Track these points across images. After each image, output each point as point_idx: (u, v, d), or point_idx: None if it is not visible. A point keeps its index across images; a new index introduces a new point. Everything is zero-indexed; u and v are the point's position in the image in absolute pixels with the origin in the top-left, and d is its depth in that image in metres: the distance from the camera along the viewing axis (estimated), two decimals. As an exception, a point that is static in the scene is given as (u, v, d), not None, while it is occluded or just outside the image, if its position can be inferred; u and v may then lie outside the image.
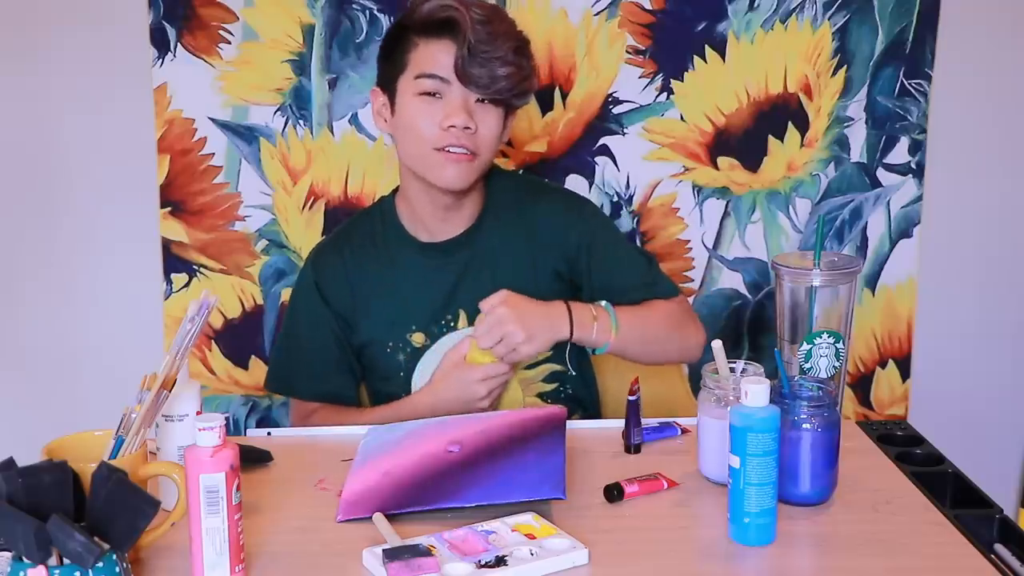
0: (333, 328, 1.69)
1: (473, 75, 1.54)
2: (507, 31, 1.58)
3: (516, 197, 1.71)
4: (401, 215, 1.70)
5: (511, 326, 1.51)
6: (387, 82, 1.63)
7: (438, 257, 1.68)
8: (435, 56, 1.56)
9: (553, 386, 1.71)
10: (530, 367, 1.69)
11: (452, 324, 1.67)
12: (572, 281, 1.70)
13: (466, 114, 1.55)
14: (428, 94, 1.56)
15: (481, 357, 1.56)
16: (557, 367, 1.71)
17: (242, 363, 2.19)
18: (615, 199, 2.15)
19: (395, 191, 1.73)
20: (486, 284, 1.63)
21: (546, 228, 1.69)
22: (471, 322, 1.65)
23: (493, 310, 1.53)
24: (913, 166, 2.20)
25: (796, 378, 1.32)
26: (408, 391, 1.67)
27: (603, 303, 1.61)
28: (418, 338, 1.66)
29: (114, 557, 1.01)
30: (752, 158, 2.17)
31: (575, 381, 1.73)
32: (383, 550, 1.12)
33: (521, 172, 2.11)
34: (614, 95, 2.12)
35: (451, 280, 1.67)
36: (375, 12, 2.07)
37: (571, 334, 1.56)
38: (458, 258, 1.67)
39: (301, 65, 2.09)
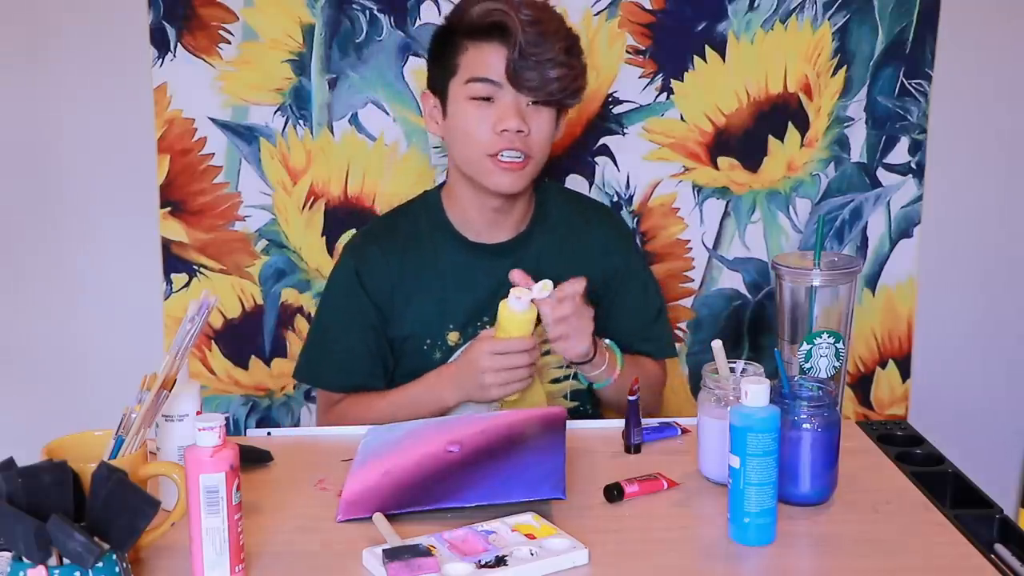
0: (371, 318, 1.67)
1: (524, 78, 1.54)
2: (557, 30, 1.57)
3: (568, 211, 1.74)
4: (449, 212, 1.71)
5: (578, 320, 1.50)
6: (438, 85, 1.63)
7: (485, 258, 1.68)
8: (486, 60, 1.56)
9: (574, 404, 1.71)
10: (554, 381, 1.68)
11: (488, 326, 1.66)
12: (595, 304, 1.70)
13: (519, 117, 1.56)
14: (480, 98, 1.57)
15: (515, 329, 1.51)
16: (581, 386, 1.71)
17: (242, 363, 2.19)
18: (615, 199, 2.15)
19: (440, 186, 1.74)
20: None
21: (595, 247, 1.73)
22: None
23: (574, 296, 1.52)
24: (913, 166, 2.20)
25: (796, 378, 1.32)
26: None
27: (607, 341, 1.62)
28: (454, 337, 1.67)
29: (114, 557, 1.01)
30: (752, 158, 2.17)
31: (594, 401, 1.73)
32: (383, 550, 1.12)
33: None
34: (614, 95, 2.12)
35: (493, 283, 1.65)
36: (375, 12, 2.07)
37: (593, 354, 1.56)
38: (503, 262, 1.66)
39: (301, 65, 2.09)
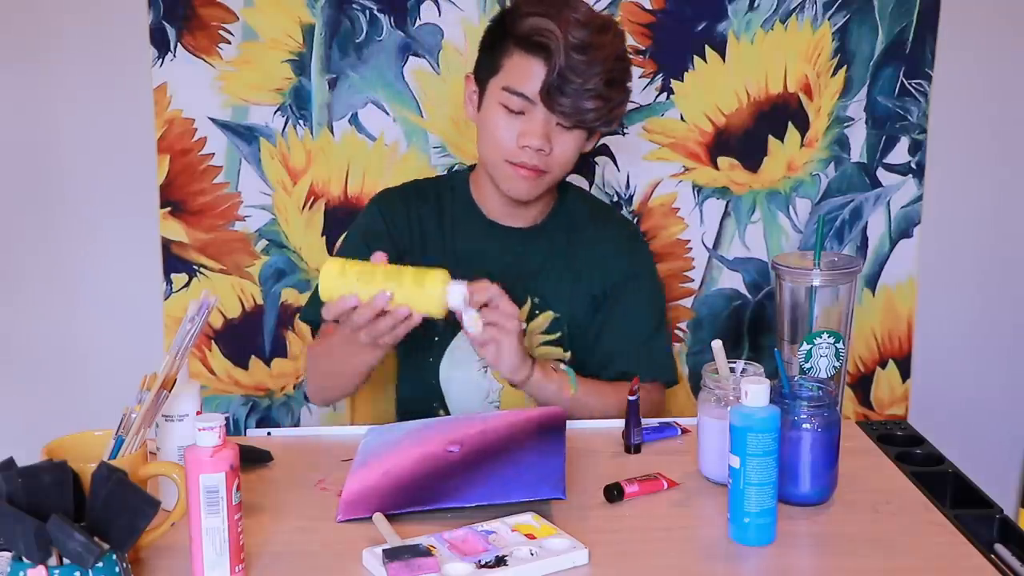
0: (385, 247, 1.59)
1: (558, 103, 1.53)
2: (605, 58, 1.53)
3: (584, 213, 1.75)
4: (474, 191, 1.72)
5: (512, 324, 1.45)
6: (480, 75, 1.63)
7: (500, 238, 1.70)
8: (524, 74, 1.54)
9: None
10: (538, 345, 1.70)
11: None
12: (597, 309, 1.72)
13: (543, 137, 1.55)
14: (513, 108, 1.56)
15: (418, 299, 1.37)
16: (564, 356, 1.71)
17: (242, 363, 2.19)
18: (615, 199, 2.15)
19: (471, 167, 1.75)
20: (532, 283, 1.67)
21: (602, 251, 1.72)
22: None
23: (508, 305, 1.47)
24: (913, 166, 2.20)
25: (796, 378, 1.32)
26: (439, 358, 1.68)
27: (563, 366, 1.61)
28: None
29: (114, 557, 1.01)
30: (752, 158, 2.17)
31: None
32: (383, 550, 1.12)
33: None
34: (614, 95, 2.12)
35: (504, 264, 1.66)
36: (375, 12, 2.07)
37: (530, 374, 1.51)
38: (517, 246, 1.69)
39: (301, 65, 2.09)
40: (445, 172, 2.11)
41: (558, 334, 1.70)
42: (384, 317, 1.37)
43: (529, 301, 1.69)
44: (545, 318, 1.70)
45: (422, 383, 1.70)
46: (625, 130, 2.14)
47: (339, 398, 1.70)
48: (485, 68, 1.61)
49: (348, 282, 1.36)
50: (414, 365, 1.71)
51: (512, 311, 1.45)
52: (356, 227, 1.75)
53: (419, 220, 1.70)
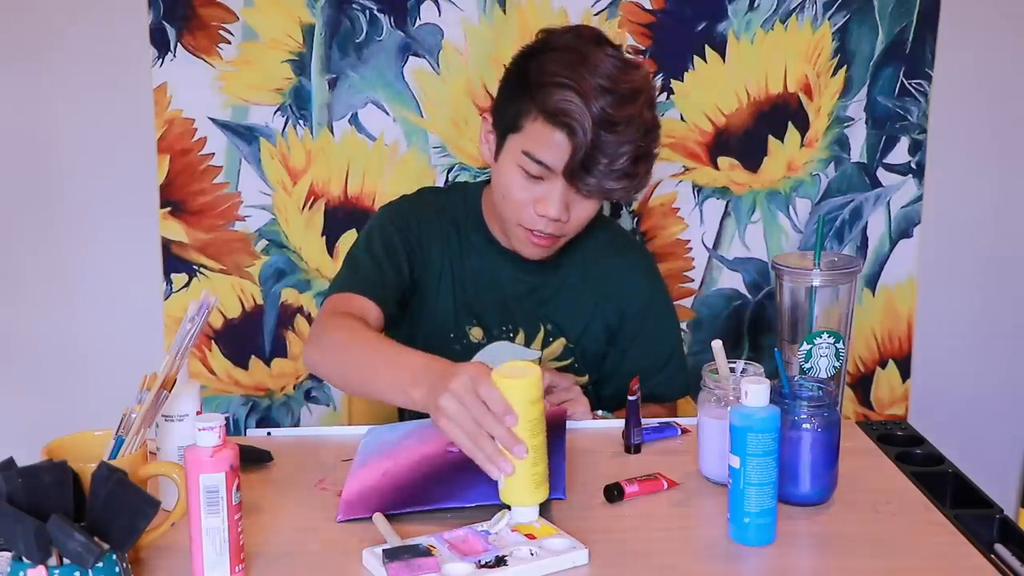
0: (398, 249, 1.59)
1: (583, 181, 1.45)
2: (632, 139, 1.44)
3: (600, 240, 1.68)
4: (486, 214, 1.66)
5: (576, 391, 1.53)
6: (499, 122, 1.54)
7: (512, 267, 1.65)
8: (547, 144, 1.46)
9: None
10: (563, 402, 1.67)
11: (510, 335, 1.66)
12: (609, 339, 1.70)
13: (562, 207, 1.49)
14: (530, 173, 1.49)
15: (511, 396, 1.19)
16: (581, 380, 1.69)
17: (242, 363, 2.19)
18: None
19: (481, 185, 1.69)
20: (546, 311, 1.66)
21: (620, 282, 1.69)
22: (526, 340, 1.66)
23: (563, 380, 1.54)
24: (913, 166, 2.20)
25: (796, 378, 1.32)
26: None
27: (600, 412, 1.60)
28: (476, 333, 1.66)
29: (114, 557, 1.01)
30: (752, 158, 2.17)
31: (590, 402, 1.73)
32: (383, 550, 1.12)
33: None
34: (614, 95, 2.12)
35: (518, 291, 1.65)
36: (375, 12, 2.07)
37: None
38: (530, 276, 1.65)
39: (301, 65, 2.09)
40: (447, 180, 2.10)
41: (570, 360, 1.69)
42: (489, 443, 1.18)
43: (542, 328, 1.67)
44: (559, 344, 1.68)
45: None
46: None
47: (337, 388, 1.65)
48: (505, 121, 1.52)
49: (527, 409, 1.18)
50: None
51: (568, 383, 1.52)
52: (369, 238, 1.64)
53: (432, 232, 1.64)
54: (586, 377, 1.70)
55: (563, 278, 1.68)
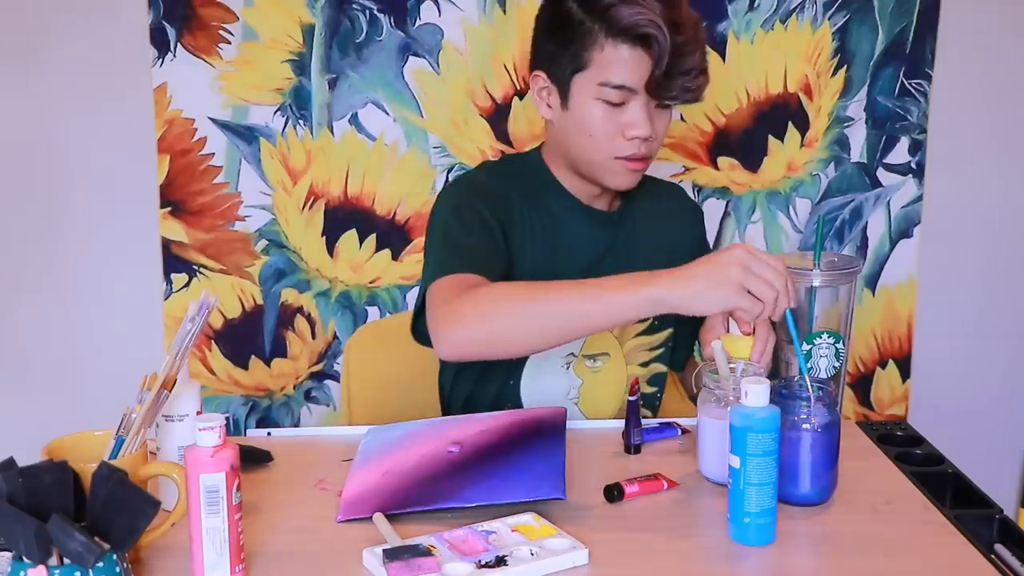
0: (490, 223, 1.54)
1: (665, 89, 1.47)
2: (695, 35, 1.47)
3: (646, 188, 1.66)
4: (555, 173, 1.62)
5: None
6: (557, 71, 1.52)
7: (595, 224, 1.62)
8: (625, 66, 1.46)
9: (654, 389, 1.69)
10: (643, 364, 1.66)
11: None
12: None
13: (649, 124, 1.49)
14: (611, 100, 1.48)
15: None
16: (663, 369, 1.69)
17: (242, 363, 2.19)
18: (615, 199, 2.15)
19: (536, 150, 1.66)
20: (624, 266, 1.52)
21: (671, 220, 1.70)
22: None
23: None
24: (913, 166, 2.20)
25: (796, 378, 1.32)
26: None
27: None
28: None
29: (114, 557, 1.01)
30: (752, 158, 2.17)
31: (664, 387, 1.72)
32: (383, 550, 1.12)
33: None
34: (614, 95, 2.12)
35: (599, 249, 1.62)
36: (375, 12, 2.07)
37: None
38: (609, 231, 1.63)
39: (301, 65, 2.09)
40: (447, 180, 2.10)
41: (650, 320, 1.65)
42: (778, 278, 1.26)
43: None
44: None
45: (496, 383, 1.62)
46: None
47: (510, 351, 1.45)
48: (564, 63, 1.50)
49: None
50: (491, 367, 1.61)
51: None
52: (459, 214, 1.54)
53: (508, 200, 1.58)
54: (668, 332, 1.68)
55: (632, 227, 1.66)
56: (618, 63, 1.47)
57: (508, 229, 1.56)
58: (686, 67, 1.46)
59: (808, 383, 1.27)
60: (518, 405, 1.62)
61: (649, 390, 1.69)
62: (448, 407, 1.69)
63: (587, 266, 1.60)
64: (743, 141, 2.16)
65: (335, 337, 2.19)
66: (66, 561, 0.98)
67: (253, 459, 1.39)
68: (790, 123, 2.16)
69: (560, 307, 1.34)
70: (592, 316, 1.33)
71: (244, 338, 2.18)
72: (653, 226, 1.67)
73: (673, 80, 1.46)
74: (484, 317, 1.35)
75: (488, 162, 1.78)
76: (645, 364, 1.67)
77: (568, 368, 1.62)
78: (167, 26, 2.06)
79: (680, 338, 1.71)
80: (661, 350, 1.68)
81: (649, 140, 1.51)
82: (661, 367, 1.69)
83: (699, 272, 1.27)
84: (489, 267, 1.46)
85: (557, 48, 1.51)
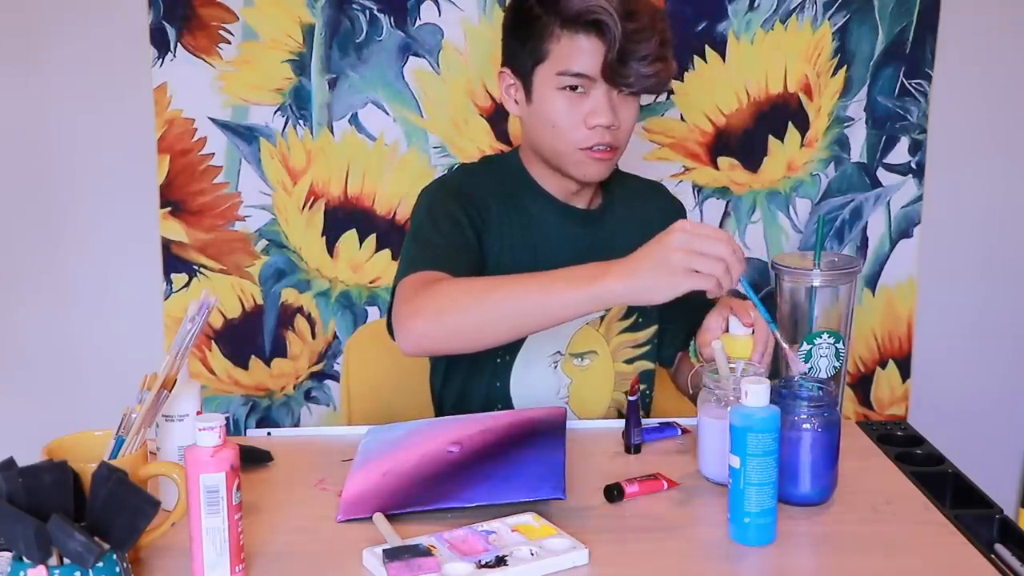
0: (464, 228, 1.56)
1: (621, 75, 1.49)
2: (652, 23, 1.50)
3: (629, 187, 1.70)
4: (532, 173, 1.64)
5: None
6: (520, 66, 1.56)
7: (574, 223, 1.63)
8: (580, 53, 1.49)
9: (642, 387, 1.68)
10: (627, 361, 1.67)
11: None
12: None
13: (611, 112, 1.51)
14: (571, 88, 1.51)
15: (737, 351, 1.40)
16: (650, 366, 1.69)
17: (242, 363, 2.19)
18: (615, 199, 2.15)
19: (514, 151, 1.68)
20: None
21: (653, 221, 1.64)
22: None
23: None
24: (913, 166, 2.20)
25: (796, 378, 1.32)
26: (514, 356, 1.59)
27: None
28: None
29: (114, 557, 1.01)
30: (752, 158, 2.17)
31: (653, 384, 1.72)
32: (383, 550, 1.12)
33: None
34: (614, 95, 2.12)
35: (578, 249, 1.61)
36: (375, 12, 2.07)
37: None
38: (587, 230, 1.63)
39: (301, 65, 2.09)
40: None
41: (633, 318, 1.66)
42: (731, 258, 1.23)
43: None
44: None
45: (486, 384, 1.63)
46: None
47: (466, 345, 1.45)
48: (524, 58, 1.54)
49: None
50: (480, 367, 1.62)
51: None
52: (432, 214, 1.57)
53: (487, 203, 1.60)
54: (652, 329, 1.68)
55: (613, 228, 1.66)
56: (574, 51, 1.50)
57: (484, 229, 1.58)
58: (640, 53, 1.48)
59: (786, 350, 1.30)
60: (508, 406, 1.62)
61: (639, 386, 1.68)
62: (439, 407, 1.70)
63: (566, 264, 1.60)
64: (743, 141, 2.16)
65: (335, 337, 2.19)
66: (66, 561, 0.98)
67: (253, 459, 1.39)
68: (790, 123, 2.16)
69: (513, 301, 1.34)
70: (545, 309, 1.33)
71: (244, 338, 2.18)
72: (634, 224, 1.66)
73: (628, 66, 1.48)
74: (440, 311, 1.36)
75: (466, 164, 1.79)
76: (631, 361, 1.67)
77: (556, 367, 1.62)
78: (167, 26, 2.06)
79: (666, 334, 1.71)
80: (647, 347, 1.68)
81: (613, 128, 1.52)
82: (648, 364, 1.69)
83: (644, 265, 1.25)
84: (456, 265, 1.47)
85: (518, 44, 1.56)
